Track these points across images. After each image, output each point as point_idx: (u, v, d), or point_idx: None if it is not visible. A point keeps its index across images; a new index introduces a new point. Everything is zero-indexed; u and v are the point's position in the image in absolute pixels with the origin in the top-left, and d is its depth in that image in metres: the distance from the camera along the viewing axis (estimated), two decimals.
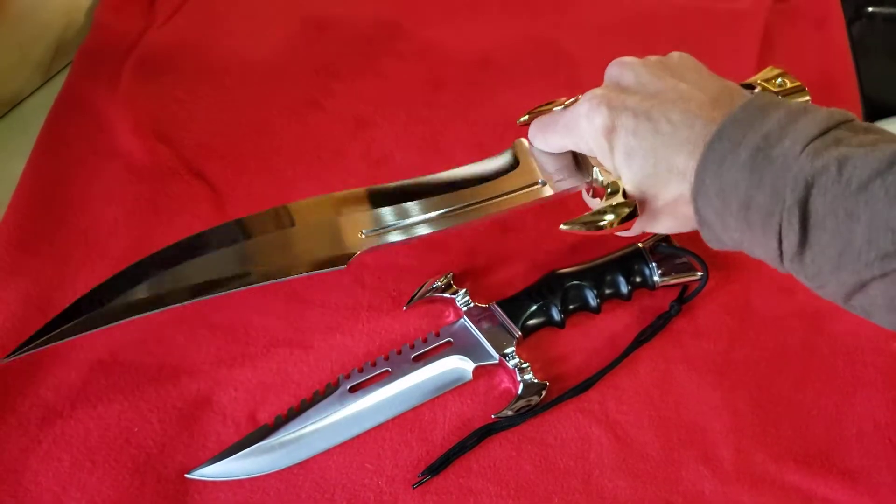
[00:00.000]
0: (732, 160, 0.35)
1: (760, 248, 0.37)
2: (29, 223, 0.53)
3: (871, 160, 0.32)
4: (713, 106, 0.39)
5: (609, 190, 0.42)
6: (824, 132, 0.34)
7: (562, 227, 0.43)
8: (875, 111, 0.62)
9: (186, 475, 0.44)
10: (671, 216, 0.42)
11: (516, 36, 0.66)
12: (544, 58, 0.64)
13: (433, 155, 0.58)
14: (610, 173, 0.43)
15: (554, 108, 0.48)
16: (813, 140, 0.34)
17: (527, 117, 0.49)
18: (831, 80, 0.62)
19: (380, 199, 0.48)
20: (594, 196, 0.46)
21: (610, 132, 0.40)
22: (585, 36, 0.66)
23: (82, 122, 0.58)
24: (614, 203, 0.42)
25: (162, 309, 0.44)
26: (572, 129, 0.43)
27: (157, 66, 0.61)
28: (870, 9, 0.66)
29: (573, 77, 0.63)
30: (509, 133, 0.60)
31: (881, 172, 0.31)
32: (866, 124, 0.36)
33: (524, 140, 0.49)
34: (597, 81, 0.48)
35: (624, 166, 0.41)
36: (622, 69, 0.43)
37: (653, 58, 0.44)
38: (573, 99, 0.47)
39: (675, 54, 0.44)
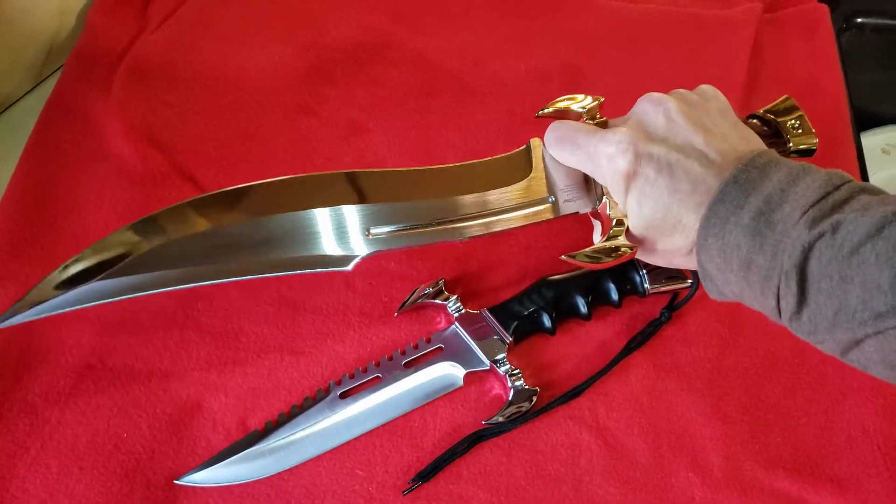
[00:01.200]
0: (735, 222, 0.37)
1: (759, 305, 0.38)
2: (18, 228, 0.53)
3: (862, 225, 0.33)
4: (729, 162, 0.39)
5: (614, 225, 0.43)
6: (822, 197, 0.35)
7: (563, 257, 0.44)
8: (864, 121, 0.63)
9: (176, 481, 0.44)
10: (665, 259, 0.44)
11: (509, 42, 0.66)
12: (537, 65, 0.64)
13: (426, 161, 0.58)
14: (616, 205, 0.43)
15: (573, 108, 0.46)
16: (811, 206, 0.35)
17: (550, 109, 0.47)
18: (821, 89, 0.63)
19: (382, 191, 0.46)
20: (594, 217, 0.47)
21: (630, 177, 0.41)
22: (578, 42, 0.66)
23: (73, 126, 0.58)
24: (616, 245, 0.43)
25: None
26: (594, 160, 0.43)
27: (150, 70, 0.61)
28: (859, 20, 0.67)
29: (566, 83, 0.63)
30: (502, 140, 0.60)
31: (871, 236, 0.32)
32: (863, 184, 0.36)
33: (539, 142, 0.47)
34: (590, 89, 0.48)
35: (634, 209, 0.41)
36: (655, 109, 0.42)
37: (685, 96, 0.43)
38: (594, 102, 0.46)
39: (706, 91, 0.44)
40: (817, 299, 0.34)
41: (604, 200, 0.45)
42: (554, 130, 0.45)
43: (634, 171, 0.40)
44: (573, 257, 0.44)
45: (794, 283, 0.34)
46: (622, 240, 0.43)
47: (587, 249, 0.44)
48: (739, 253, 0.36)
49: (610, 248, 0.43)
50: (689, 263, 0.43)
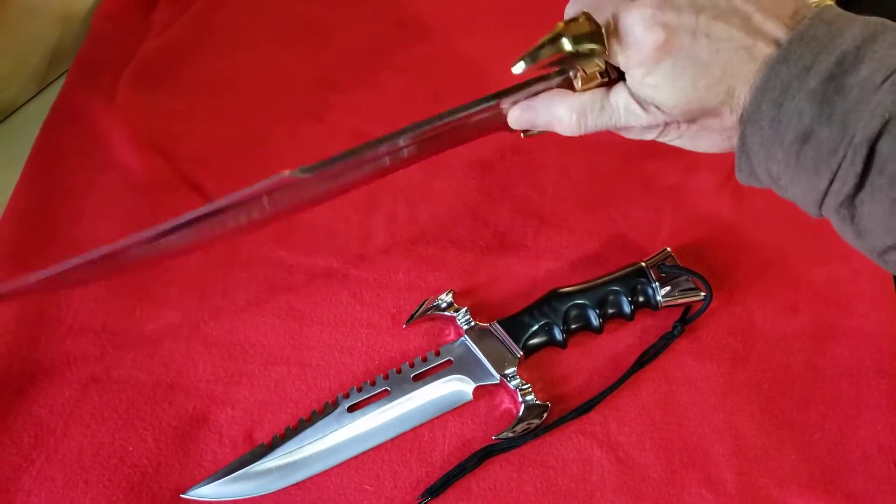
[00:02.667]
0: (798, 86, 0.32)
1: (801, 187, 0.34)
2: (22, 236, 0.52)
3: None
4: (773, 17, 0.34)
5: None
6: None
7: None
8: None
9: (182, 495, 0.44)
10: (700, 138, 0.38)
11: (516, 50, 0.65)
12: (545, 71, 0.63)
13: (432, 168, 0.58)
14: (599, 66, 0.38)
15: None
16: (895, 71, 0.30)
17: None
18: None
19: None
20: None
21: (661, 50, 0.34)
22: None
23: (77, 133, 0.57)
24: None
25: None
26: (617, 35, 0.36)
27: (155, 76, 0.61)
28: None
29: None
30: (510, 149, 0.59)
31: None
32: None
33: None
34: None
35: (665, 85, 0.35)
36: None
37: None
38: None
39: None
40: (879, 183, 0.30)
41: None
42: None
43: (667, 43, 0.34)
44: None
45: (860, 160, 0.30)
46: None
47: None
48: (800, 123, 0.32)
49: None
50: (722, 143, 0.38)
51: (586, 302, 0.49)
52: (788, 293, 0.52)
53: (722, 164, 0.56)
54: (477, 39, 0.66)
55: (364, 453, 0.46)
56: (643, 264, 0.50)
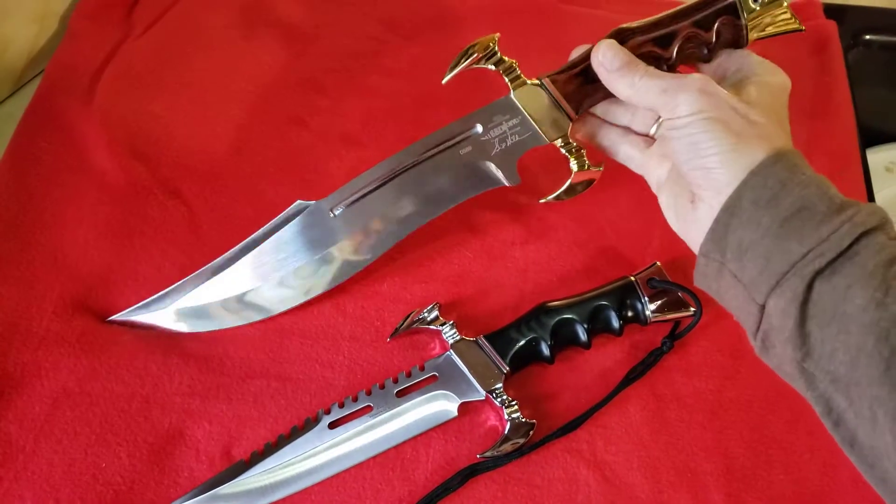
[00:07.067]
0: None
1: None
2: None
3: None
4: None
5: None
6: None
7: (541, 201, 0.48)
8: (871, 138, 0.62)
9: None
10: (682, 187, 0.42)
11: (506, 54, 0.64)
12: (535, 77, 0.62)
13: None
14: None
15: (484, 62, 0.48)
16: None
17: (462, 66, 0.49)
18: (828, 106, 0.61)
19: None
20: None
21: (698, 113, 0.39)
22: None
23: (53, 136, 0.55)
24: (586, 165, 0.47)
25: None
26: (669, 92, 0.40)
27: (134, 78, 0.59)
28: (867, 36, 0.66)
29: None
30: None
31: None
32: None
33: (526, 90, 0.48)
34: None
35: (683, 146, 0.39)
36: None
37: None
38: (496, 51, 0.48)
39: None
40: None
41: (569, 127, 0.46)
42: (618, 57, 0.43)
43: (703, 110, 0.39)
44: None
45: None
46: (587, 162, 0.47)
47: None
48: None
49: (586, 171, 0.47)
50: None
51: (574, 317, 0.48)
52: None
53: None
54: (467, 42, 0.65)
55: (345, 471, 0.45)
56: (632, 279, 0.49)
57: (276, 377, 0.48)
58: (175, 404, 0.46)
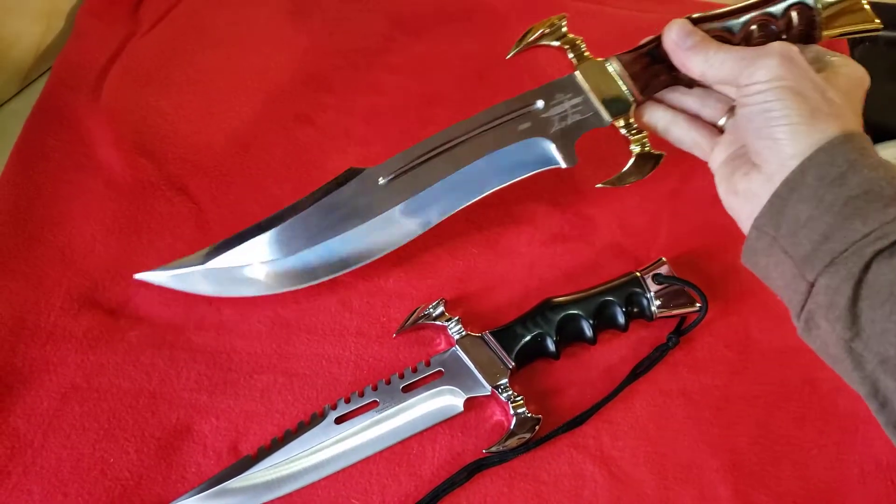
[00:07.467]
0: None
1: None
2: (2, 239, 0.51)
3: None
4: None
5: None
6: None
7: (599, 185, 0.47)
8: (878, 134, 0.61)
9: None
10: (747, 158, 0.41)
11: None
12: (542, 74, 0.62)
13: None
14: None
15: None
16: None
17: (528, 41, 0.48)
18: None
19: None
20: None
21: (776, 80, 0.37)
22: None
23: (61, 133, 0.56)
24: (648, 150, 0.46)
25: None
26: (748, 59, 0.39)
27: (141, 75, 0.59)
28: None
29: None
30: None
31: None
32: None
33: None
34: None
35: (755, 113, 0.38)
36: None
37: None
38: (564, 26, 0.48)
39: None
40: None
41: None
42: (692, 35, 0.42)
43: (786, 78, 0.37)
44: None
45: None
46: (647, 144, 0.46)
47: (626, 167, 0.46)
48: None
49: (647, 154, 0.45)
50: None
51: (580, 312, 0.48)
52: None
53: None
54: (474, 39, 0.65)
55: (352, 466, 0.45)
56: (638, 274, 0.49)
57: (283, 373, 0.48)
58: (182, 399, 0.46)
